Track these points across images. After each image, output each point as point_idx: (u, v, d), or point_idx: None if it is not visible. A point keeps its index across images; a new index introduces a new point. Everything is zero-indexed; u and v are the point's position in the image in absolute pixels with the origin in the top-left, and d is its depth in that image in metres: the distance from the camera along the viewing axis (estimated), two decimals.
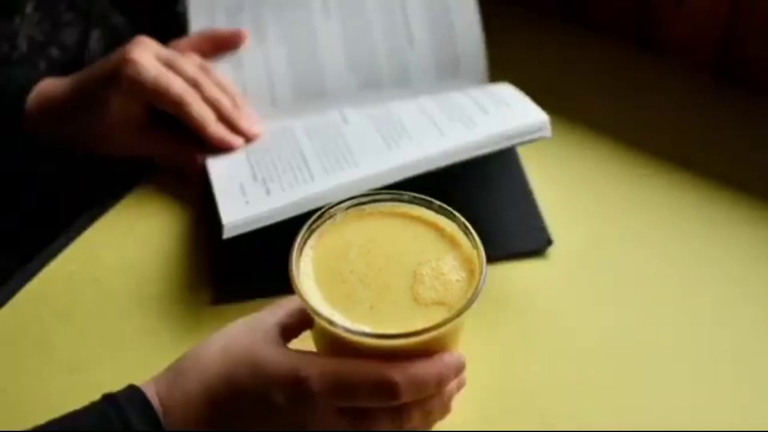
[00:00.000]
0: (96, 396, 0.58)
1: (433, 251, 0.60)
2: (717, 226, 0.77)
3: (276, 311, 0.59)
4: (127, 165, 0.81)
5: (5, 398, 0.65)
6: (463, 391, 0.64)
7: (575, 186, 0.81)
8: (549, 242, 0.74)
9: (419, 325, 0.55)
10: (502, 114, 0.75)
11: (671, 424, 0.63)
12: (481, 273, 0.57)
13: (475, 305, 0.56)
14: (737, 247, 0.75)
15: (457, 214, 0.61)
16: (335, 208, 0.62)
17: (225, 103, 0.80)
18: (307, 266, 0.59)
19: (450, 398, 0.60)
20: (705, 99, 0.89)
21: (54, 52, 0.85)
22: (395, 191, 0.63)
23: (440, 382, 0.57)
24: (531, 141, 0.72)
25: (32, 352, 0.68)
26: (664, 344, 0.68)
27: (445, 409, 0.60)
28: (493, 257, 0.63)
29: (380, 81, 0.85)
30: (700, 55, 0.91)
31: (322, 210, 0.61)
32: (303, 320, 0.59)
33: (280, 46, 0.85)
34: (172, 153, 0.80)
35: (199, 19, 0.86)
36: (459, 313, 0.56)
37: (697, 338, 0.68)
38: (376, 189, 0.63)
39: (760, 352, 0.67)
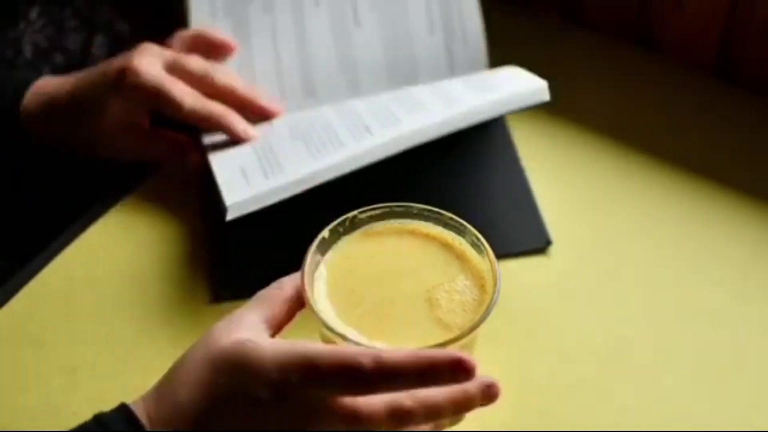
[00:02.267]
0: (96, 396, 0.58)
1: (445, 272, 0.60)
2: (717, 226, 0.77)
3: (258, 306, 0.57)
4: (127, 166, 0.81)
5: (5, 398, 0.65)
6: None
7: (575, 185, 0.81)
8: (548, 242, 0.74)
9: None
10: (499, 79, 0.76)
11: (671, 424, 0.63)
12: (494, 285, 0.57)
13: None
14: (737, 247, 0.75)
15: (468, 225, 0.60)
16: (346, 224, 0.61)
17: (239, 87, 0.79)
18: (319, 285, 0.59)
19: (464, 401, 0.53)
20: (705, 99, 0.89)
21: (58, 58, 0.85)
22: (405, 204, 0.63)
23: (421, 373, 0.49)
24: (531, 104, 0.72)
25: (32, 352, 0.68)
26: (663, 344, 0.68)
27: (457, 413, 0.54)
28: None
29: (379, 83, 0.85)
30: (700, 55, 0.91)
31: (333, 225, 0.61)
32: (289, 313, 0.57)
33: (288, 43, 0.84)
34: (175, 155, 0.80)
35: (200, 14, 0.84)
36: (475, 327, 0.56)
37: (697, 338, 0.68)
38: (387, 204, 0.63)
39: (760, 352, 0.67)
